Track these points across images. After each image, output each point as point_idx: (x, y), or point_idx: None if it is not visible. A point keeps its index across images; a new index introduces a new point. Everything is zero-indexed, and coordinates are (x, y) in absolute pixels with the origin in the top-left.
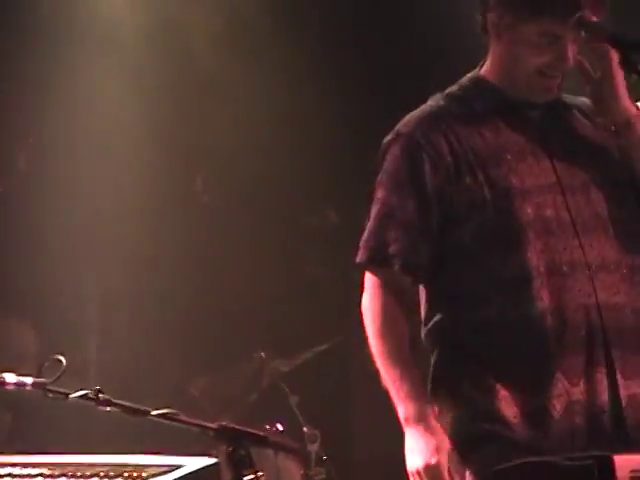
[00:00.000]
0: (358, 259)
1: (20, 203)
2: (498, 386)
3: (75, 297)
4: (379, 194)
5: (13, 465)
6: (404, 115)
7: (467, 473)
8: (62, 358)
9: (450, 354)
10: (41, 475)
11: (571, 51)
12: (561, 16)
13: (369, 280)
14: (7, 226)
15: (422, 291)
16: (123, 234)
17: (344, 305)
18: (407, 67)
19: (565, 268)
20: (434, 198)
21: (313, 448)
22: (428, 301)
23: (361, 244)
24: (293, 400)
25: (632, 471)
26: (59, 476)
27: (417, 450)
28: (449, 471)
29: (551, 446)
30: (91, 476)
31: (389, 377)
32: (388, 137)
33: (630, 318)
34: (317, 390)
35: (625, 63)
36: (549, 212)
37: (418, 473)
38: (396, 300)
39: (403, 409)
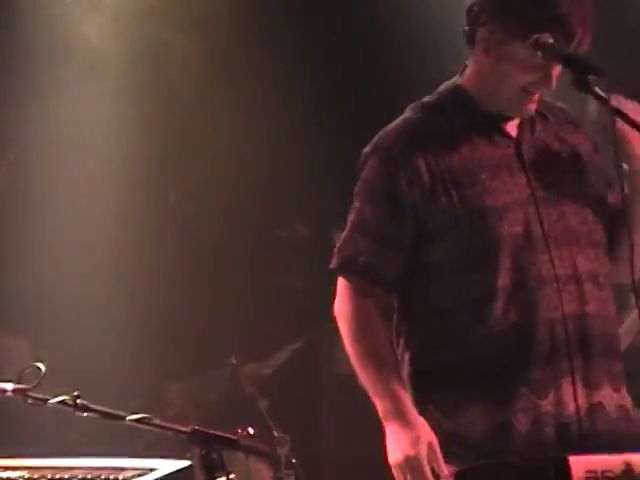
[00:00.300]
0: (332, 265)
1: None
2: (463, 405)
3: (55, 306)
4: (356, 204)
5: (4, 467)
6: (372, 136)
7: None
8: (41, 365)
9: (415, 372)
10: (21, 478)
11: (555, 72)
12: (555, 41)
13: (341, 284)
14: None
15: (394, 301)
16: (102, 250)
17: (312, 312)
18: (378, 88)
19: (533, 283)
20: (409, 214)
21: (283, 451)
22: (397, 312)
23: (335, 250)
24: (263, 404)
25: (588, 471)
26: (38, 479)
27: (396, 444)
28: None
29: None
30: (69, 479)
31: (365, 377)
32: (367, 149)
33: (598, 327)
34: (286, 394)
35: (579, 84)
36: (521, 228)
37: (399, 466)
38: (369, 303)
39: (381, 406)
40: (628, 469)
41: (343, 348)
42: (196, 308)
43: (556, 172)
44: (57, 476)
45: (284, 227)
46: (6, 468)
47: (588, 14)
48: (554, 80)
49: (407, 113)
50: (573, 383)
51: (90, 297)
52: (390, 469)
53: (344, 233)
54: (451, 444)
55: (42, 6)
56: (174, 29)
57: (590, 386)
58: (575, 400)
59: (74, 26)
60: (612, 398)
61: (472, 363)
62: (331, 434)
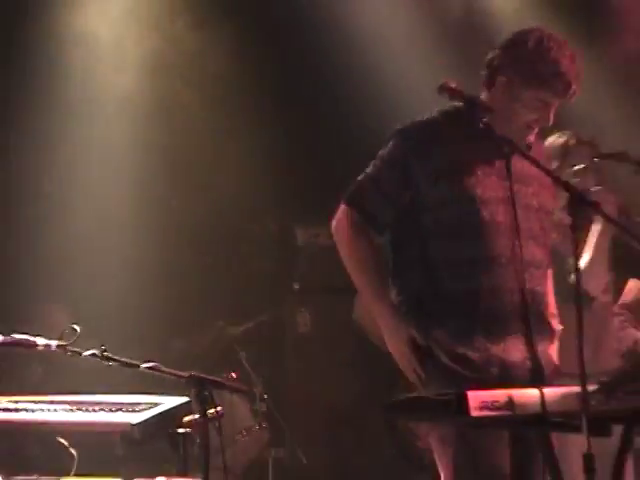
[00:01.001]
0: (345, 195)
1: (46, 221)
2: (435, 334)
3: (85, 280)
4: (378, 162)
5: (44, 402)
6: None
7: None
8: (77, 327)
9: (403, 301)
10: (64, 409)
11: (552, 114)
12: (556, 91)
13: (344, 211)
14: (42, 233)
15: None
16: (120, 237)
17: (279, 289)
18: (340, 124)
19: (504, 260)
20: (412, 185)
21: (257, 390)
22: (394, 257)
23: (356, 185)
24: (242, 355)
25: (481, 402)
26: (77, 409)
27: (391, 339)
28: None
29: (473, 379)
30: (100, 410)
31: (363, 283)
32: (398, 126)
33: (541, 301)
34: (260, 348)
35: (470, 117)
36: (500, 218)
37: (399, 352)
38: (364, 232)
39: (377, 308)
40: (510, 399)
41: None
42: (193, 285)
43: (529, 187)
44: (90, 408)
45: (258, 224)
46: (54, 402)
47: (581, 71)
48: (551, 119)
49: (433, 114)
50: (519, 338)
51: (113, 273)
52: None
53: (365, 175)
54: (426, 362)
55: (78, 58)
56: (183, 82)
57: (531, 343)
58: (519, 351)
59: (104, 77)
60: (545, 353)
61: (448, 305)
62: (293, 377)
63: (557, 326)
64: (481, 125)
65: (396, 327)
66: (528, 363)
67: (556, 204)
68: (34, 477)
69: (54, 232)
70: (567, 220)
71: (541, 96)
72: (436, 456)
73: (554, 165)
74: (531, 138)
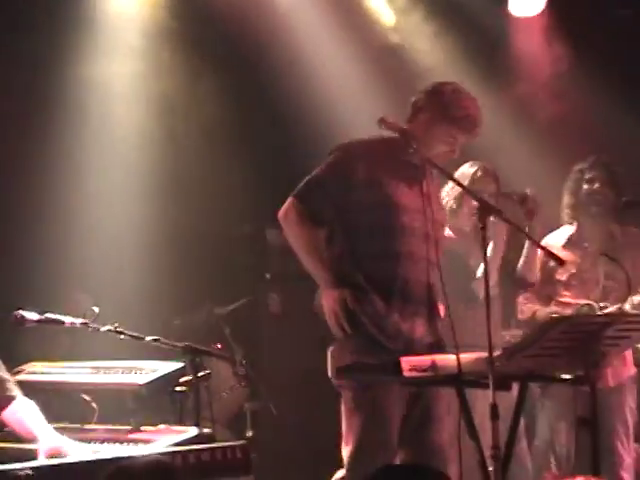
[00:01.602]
0: (296, 190)
1: (72, 223)
2: (360, 306)
3: (104, 272)
4: (324, 167)
5: (71, 367)
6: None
7: None
8: (96, 309)
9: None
10: (86, 372)
11: (458, 148)
12: (464, 129)
13: (292, 203)
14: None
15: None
16: (132, 239)
17: (255, 278)
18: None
19: (416, 257)
20: (348, 188)
21: (238, 357)
22: (328, 252)
23: (304, 184)
24: (227, 331)
25: (411, 366)
26: (97, 372)
27: (328, 299)
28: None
29: (385, 346)
30: (115, 372)
31: (310, 263)
32: (338, 144)
33: (437, 292)
34: (241, 325)
35: (403, 145)
36: (416, 224)
37: (328, 310)
38: (310, 223)
39: (322, 279)
40: (433, 363)
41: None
42: (188, 275)
43: (435, 202)
44: (107, 371)
45: (238, 227)
46: (79, 367)
47: (482, 117)
48: (457, 152)
49: (369, 137)
50: (422, 319)
51: (125, 265)
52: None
53: (312, 176)
54: (350, 323)
55: (97, 97)
56: (180, 116)
57: (429, 324)
58: (421, 329)
59: (117, 113)
60: (437, 330)
61: (371, 289)
62: (266, 347)
63: (442, 311)
64: (411, 150)
65: (332, 289)
66: (427, 338)
67: (445, 219)
68: (63, 425)
69: (79, 231)
70: (468, 227)
71: (453, 132)
72: (343, 411)
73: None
74: (441, 163)
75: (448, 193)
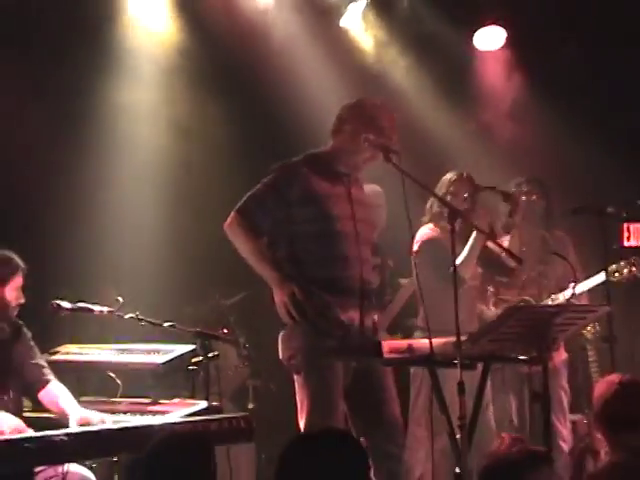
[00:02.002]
0: (237, 206)
1: (100, 224)
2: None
3: (127, 268)
4: (262, 186)
5: (99, 348)
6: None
7: None
8: (120, 299)
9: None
10: (112, 353)
11: (376, 155)
12: (386, 137)
13: (236, 217)
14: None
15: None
16: (152, 239)
17: (255, 275)
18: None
19: (350, 257)
20: (285, 204)
21: (241, 341)
22: (276, 253)
23: (245, 200)
24: (231, 318)
25: (391, 348)
26: (121, 353)
27: (278, 293)
28: None
29: (327, 334)
30: (137, 353)
31: (260, 266)
32: (277, 164)
33: (373, 288)
34: (243, 313)
35: (386, 158)
36: (347, 229)
37: (280, 304)
38: (254, 234)
39: (270, 278)
40: (409, 346)
41: (270, 291)
42: (199, 270)
43: (362, 208)
44: (132, 350)
45: None
46: (105, 348)
47: (396, 126)
48: (373, 159)
49: (303, 156)
50: (357, 310)
51: (146, 261)
52: None
53: (251, 192)
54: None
55: (123, 119)
56: (194, 136)
57: (365, 315)
58: (356, 318)
59: (140, 133)
60: (371, 319)
61: (313, 287)
62: (266, 332)
63: (378, 303)
64: (392, 161)
65: (281, 285)
66: (363, 325)
67: (372, 218)
68: (92, 398)
69: (107, 233)
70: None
71: (382, 140)
72: (297, 388)
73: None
74: (362, 171)
75: (432, 199)
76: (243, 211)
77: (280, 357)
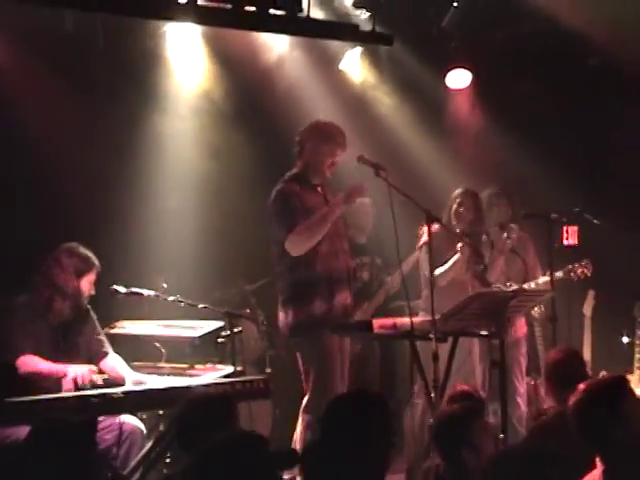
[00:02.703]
0: (288, 231)
1: (148, 220)
2: (309, 297)
3: (170, 260)
4: (286, 210)
5: (148, 324)
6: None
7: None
8: (165, 285)
9: (289, 288)
10: (158, 327)
11: (336, 165)
12: (342, 146)
13: (291, 237)
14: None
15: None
16: (188, 232)
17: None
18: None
19: (339, 253)
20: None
21: (261, 319)
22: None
23: (288, 229)
24: (253, 301)
25: (379, 325)
26: (165, 327)
27: (335, 206)
28: None
29: (333, 320)
30: (177, 328)
31: (321, 221)
32: (280, 185)
33: (352, 275)
34: (263, 296)
35: (377, 173)
36: (332, 230)
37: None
38: (296, 229)
39: (327, 212)
40: (394, 323)
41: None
42: (227, 260)
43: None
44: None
45: (262, 229)
46: (147, 324)
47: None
48: (337, 164)
49: (287, 178)
50: (347, 291)
51: (185, 252)
52: None
53: (287, 222)
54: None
55: (162, 130)
56: (221, 154)
57: (350, 296)
58: (348, 298)
59: (177, 153)
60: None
61: (317, 278)
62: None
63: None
64: (382, 176)
65: (333, 205)
66: (351, 303)
67: (366, 225)
68: (141, 363)
69: (155, 232)
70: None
71: (333, 149)
72: (300, 360)
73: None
74: (327, 179)
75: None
76: (291, 230)
77: (285, 334)
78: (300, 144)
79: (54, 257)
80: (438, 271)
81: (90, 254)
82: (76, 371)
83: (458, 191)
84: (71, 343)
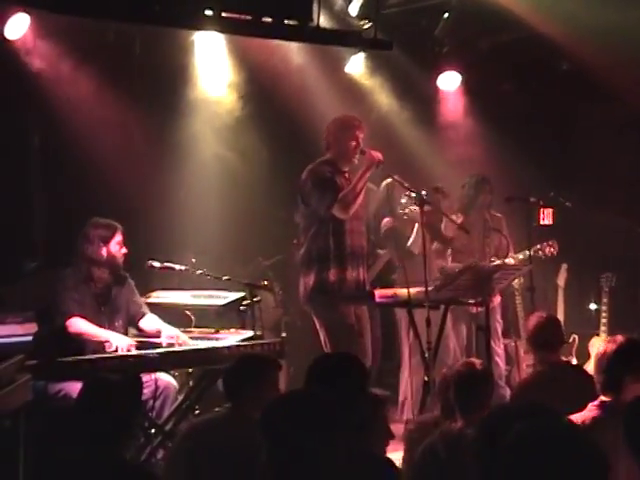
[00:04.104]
0: (329, 203)
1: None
2: (327, 266)
3: (198, 238)
4: (316, 179)
5: (179, 294)
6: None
7: None
8: (193, 260)
9: (309, 253)
10: (188, 297)
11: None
12: (362, 130)
13: (337, 206)
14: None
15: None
16: (213, 215)
17: (288, 242)
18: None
19: (355, 233)
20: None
21: (277, 289)
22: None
23: (327, 195)
24: (270, 274)
25: (380, 295)
26: (194, 297)
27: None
28: None
29: (347, 293)
30: (204, 297)
31: (359, 183)
32: (312, 165)
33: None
34: (278, 270)
35: (377, 166)
36: (355, 214)
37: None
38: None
39: (362, 176)
40: (394, 293)
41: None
42: (247, 238)
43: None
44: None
45: (278, 210)
46: (179, 294)
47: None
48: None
49: (319, 161)
50: (362, 267)
51: (211, 231)
52: None
53: (320, 194)
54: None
55: (190, 130)
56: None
57: (363, 272)
58: (360, 275)
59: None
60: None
61: (331, 256)
62: (295, 283)
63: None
64: (378, 166)
65: (367, 165)
66: (365, 278)
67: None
68: (173, 328)
69: (186, 214)
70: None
71: (353, 132)
72: (318, 325)
73: None
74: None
75: None
76: (331, 207)
77: (303, 301)
78: (326, 138)
79: (82, 233)
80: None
81: (110, 220)
82: (118, 343)
83: (477, 178)
84: (112, 306)
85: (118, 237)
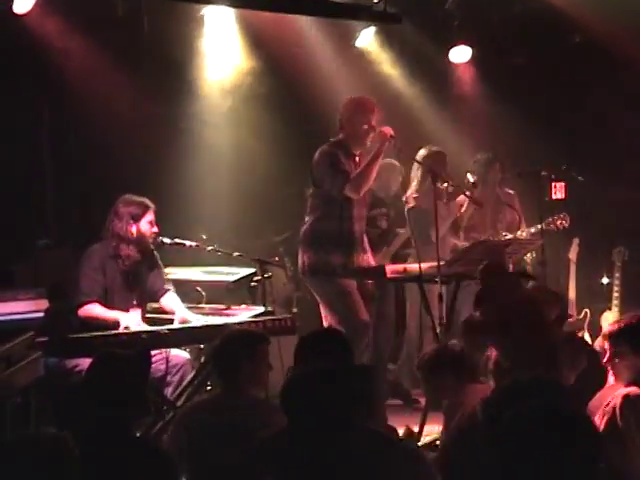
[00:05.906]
0: (340, 186)
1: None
2: (328, 248)
3: (209, 215)
4: (329, 159)
5: (190, 271)
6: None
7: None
8: (204, 236)
9: (313, 235)
10: (199, 273)
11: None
12: (374, 112)
13: (348, 186)
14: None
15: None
16: (225, 192)
17: (298, 218)
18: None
19: (360, 217)
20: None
21: (287, 265)
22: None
23: (339, 177)
24: (280, 249)
25: (391, 271)
26: (205, 273)
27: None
28: None
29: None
30: (215, 274)
31: (372, 166)
32: (325, 147)
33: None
34: (288, 246)
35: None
36: (362, 199)
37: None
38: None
39: (374, 158)
40: (404, 269)
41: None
42: (258, 215)
43: None
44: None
45: (288, 188)
46: (190, 270)
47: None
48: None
49: (330, 142)
50: (364, 257)
51: (223, 208)
52: None
53: (332, 174)
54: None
55: (202, 110)
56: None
57: (369, 257)
58: (366, 257)
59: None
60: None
61: (335, 237)
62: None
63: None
64: (391, 142)
65: (377, 151)
66: (368, 260)
67: (394, 183)
68: (185, 304)
69: (198, 193)
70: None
71: (366, 115)
72: (318, 296)
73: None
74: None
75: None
76: (343, 188)
77: (302, 274)
78: (340, 118)
79: (113, 210)
80: None
81: (144, 199)
82: (128, 322)
83: (487, 155)
84: (139, 282)
85: (149, 216)
